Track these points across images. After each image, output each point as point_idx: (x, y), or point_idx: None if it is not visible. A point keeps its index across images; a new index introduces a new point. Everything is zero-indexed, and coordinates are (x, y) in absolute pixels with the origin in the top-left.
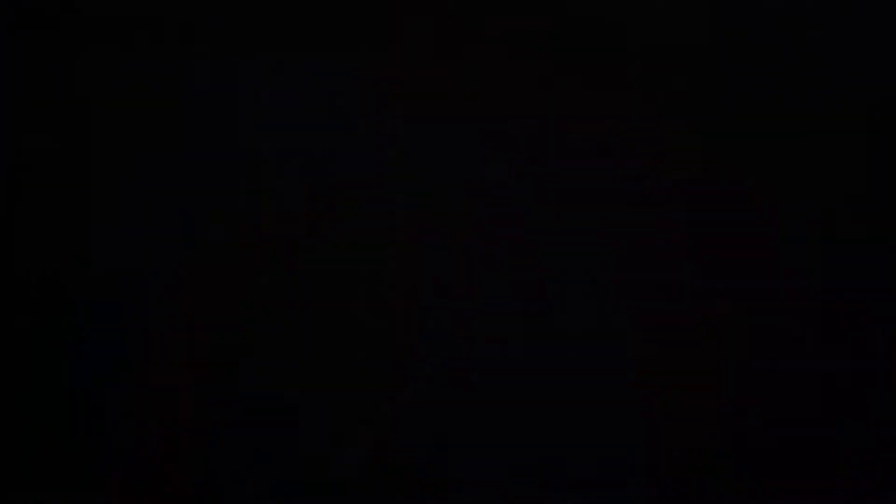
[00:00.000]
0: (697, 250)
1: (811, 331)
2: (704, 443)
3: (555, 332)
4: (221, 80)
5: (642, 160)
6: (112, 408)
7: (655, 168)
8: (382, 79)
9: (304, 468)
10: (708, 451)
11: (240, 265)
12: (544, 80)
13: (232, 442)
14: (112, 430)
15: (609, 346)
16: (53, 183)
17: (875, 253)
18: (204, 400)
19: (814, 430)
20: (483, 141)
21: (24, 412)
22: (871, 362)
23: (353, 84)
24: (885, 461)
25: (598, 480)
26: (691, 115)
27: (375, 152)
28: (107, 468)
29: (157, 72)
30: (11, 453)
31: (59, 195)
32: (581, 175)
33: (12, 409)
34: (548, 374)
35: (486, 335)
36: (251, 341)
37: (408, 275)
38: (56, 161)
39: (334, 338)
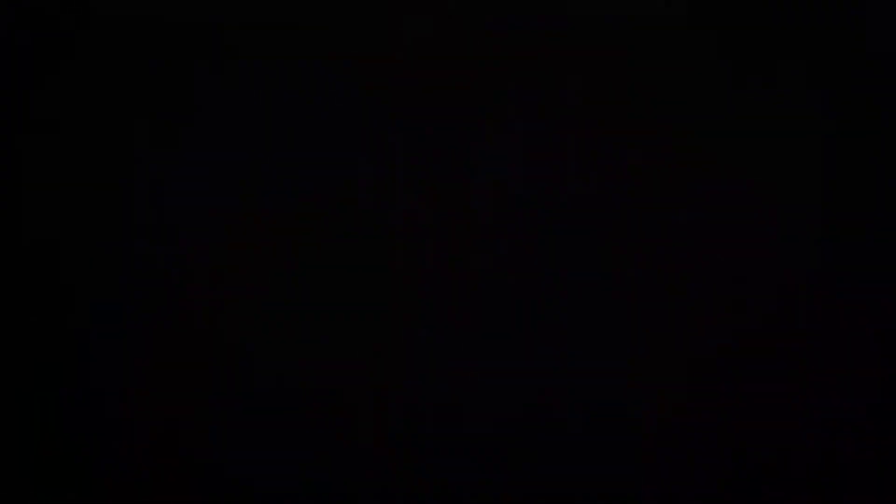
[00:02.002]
0: (700, 252)
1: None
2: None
3: (555, 335)
4: (222, 78)
5: (646, 162)
6: (112, 408)
7: (659, 169)
8: (382, 77)
9: (304, 470)
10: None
11: (239, 264)
12: (546, 79)
13: (232, 443)
14: (112, 431)
15: (609, 349)
16: (53, 183)
17: (876, 253)
18: (204, 400)
19: (817, 435)
20: (484, 141)
21: (24, 413)
22: (874, 365)
23: (351, 83)
24: (886, 463)
25: (598, 484)
26: (693, 115)
27: (375, 152)
28: (107, 468)
29: (159, 72)
30: (10, 455)
31: (59, 196)
32: (583, 175)
33: (11, 410)
34: (547, 376)
35: (484, 339)
36: (250, 341)
37: (407, 277)
38: (56, 161)
39: (333, 338)
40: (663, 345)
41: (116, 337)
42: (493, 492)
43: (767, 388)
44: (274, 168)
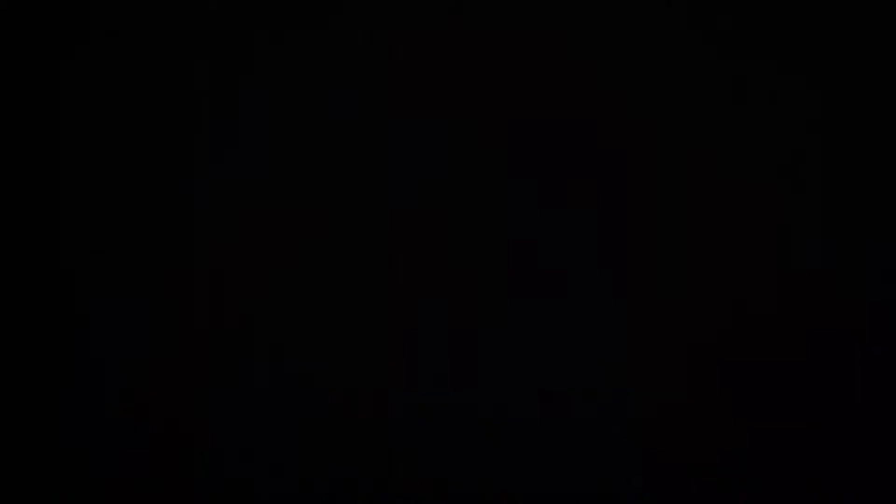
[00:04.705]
0: (700, 251)
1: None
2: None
3: (556, 338)
4: (223, 76)
5: (646, 162)
6: (112, 409)
7: (659, 173)
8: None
9: (304, 470)
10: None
11: (239, 262)
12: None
13: (232, 442)
14: (112, 432)
15: (609, 348)
16: (52, 183)
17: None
18: (204, 401)
19: (816, 436)
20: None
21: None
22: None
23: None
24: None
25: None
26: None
27: (375, 148)
28: (107, 469)
29: (154, 66)
30: (10, 455)
31: (57, 196)
32: (582, 174)
33: (11, 411)
34: (548, 379)
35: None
36: (250, 341)
37: (406, 275)
38: (55, 161)
39: (333, 338)
40: (663, 344)
41: (119, 335)
42: (490, 490)
43: (767, 388)
44: (275, 167)
